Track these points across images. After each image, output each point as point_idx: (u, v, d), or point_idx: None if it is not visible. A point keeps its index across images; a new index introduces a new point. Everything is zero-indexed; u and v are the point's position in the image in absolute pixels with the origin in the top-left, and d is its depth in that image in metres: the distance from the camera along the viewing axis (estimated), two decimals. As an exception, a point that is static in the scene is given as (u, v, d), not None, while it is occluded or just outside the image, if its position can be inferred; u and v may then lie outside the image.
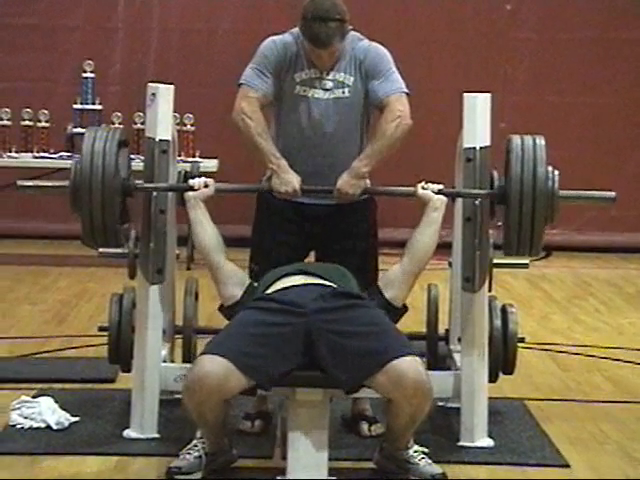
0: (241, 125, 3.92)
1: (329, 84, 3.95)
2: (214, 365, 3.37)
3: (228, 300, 3.68)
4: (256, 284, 3.72)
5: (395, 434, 3.53)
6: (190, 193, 3.77)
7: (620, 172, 8.66)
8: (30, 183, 4.04)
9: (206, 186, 3.78)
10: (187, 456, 3.54)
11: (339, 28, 3.83)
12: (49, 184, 4.06)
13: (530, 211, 3.65)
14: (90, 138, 3.72)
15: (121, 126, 7.52)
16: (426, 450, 3.60)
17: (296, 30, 3.97)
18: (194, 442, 3.58)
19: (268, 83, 3.95)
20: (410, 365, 3.39)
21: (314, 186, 3.93)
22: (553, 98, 8.66)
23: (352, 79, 3.96)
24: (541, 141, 3.72)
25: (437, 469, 3.54)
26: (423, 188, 3.75)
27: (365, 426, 4.00)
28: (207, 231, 3.73)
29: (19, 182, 3.91)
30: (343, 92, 3.95)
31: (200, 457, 3.54)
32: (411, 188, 3.78)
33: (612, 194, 3.88)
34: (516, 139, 3.74)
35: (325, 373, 3.45)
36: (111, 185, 3.67)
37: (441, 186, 3.77)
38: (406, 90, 3.96)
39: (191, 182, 3.80)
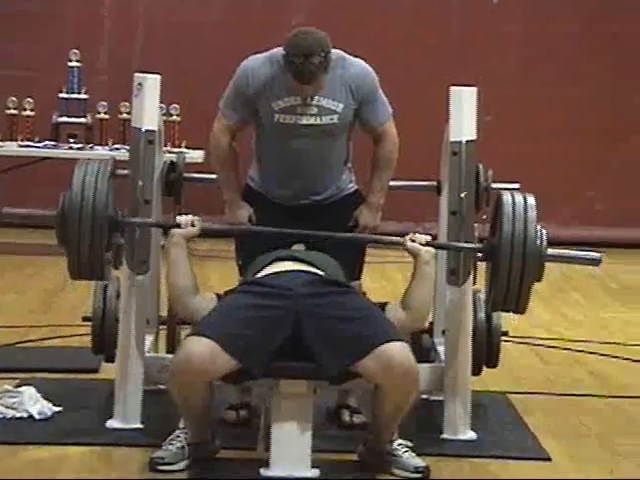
0: (211, 147, 4.02)
1: (314, 110, 3.89)
2: (200, 346, 3.38)
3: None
4: (230, 283, 3.74)
5: (380, 425, 3.54)
6: (176, 230, 3.69)
7: (605, 165, 8.69)
8: (17, 212, 3.96)
9: (193, 225, 3.70)
10: (170, 446, 3.55)
11: (322, 62, 3.76)
12: (35, 213, 3.99)
13: (519, 272, 3.56)
14: (81, 171, 3.62)
15: (106, 116, 7.52)
16: (410, 444, 3.61)
17: (276, 54, 3.88)
18: (177, 432, 3.58)
19: (239, 115, 3.97)
20: (399, 350, 3.41)
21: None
22: (539, 91, 8.67)
23: (341, 106, 3.90)
24: (531, 200, 3.63)
25: (421, 462, 3.56)
26: (412, 240, 3.67)
27: (347, 414, 4.01)
28: (183, 274, 3.64)
29: (4, 211, 3.82)
30: (331, 119, 3.90)
31: (183, 447, 3.54)
32: (399, 239, 3.71)
33: (597, 255, 3.84)
34: (507, 197, 3.63)
35: (312, 359, 3.45)
36: (100, 221, 3.57)
37: (428, 237, 3.70)
38: (391, 110, 4.01)
39: (178, 219, 3.72)
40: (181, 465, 3.53)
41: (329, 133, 3.93)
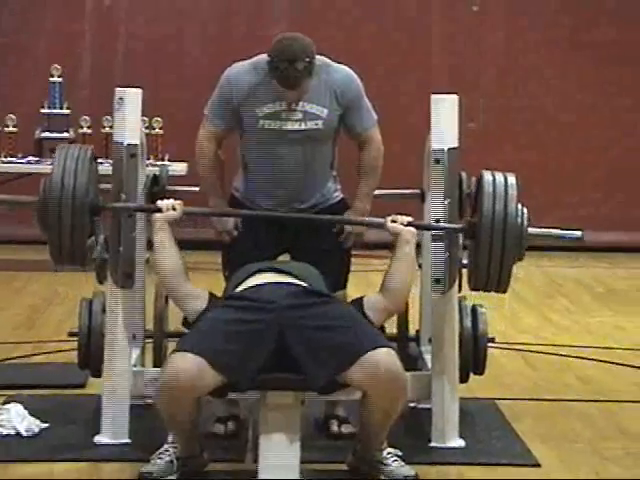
0: (197, 154, 4.03)
1: (299, 115, 3.90)
2: (187, 363, 3.37)
3: (192, 314, 3.65)
4: (218, 294, 3.74)
5: (369, 433, 3.54)
6: (157, 215, 3.70)
7: (590, 172, 8.71)
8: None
9: (174, 209, 3.71)
10: (158, 461, 3.54)
11: (307, 68, 3.78)
12: (17, 199, 4.02)
13: (500, 250, 3.59)
14: (61, 156, 3.64)
15: (89, 130, 7.51)
16: (399, 452, 3.60)
17: (259, 61, 3.91)
18: (165, 447, 3.57)
19: (224, 121, 3.98)
20: (385, 357, 3.40)
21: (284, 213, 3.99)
22: (521, 98, 8.70)
23: (326, 111, 3.92)
24: (512, 179, 3.66)
25: (410, 471, 3.55)
26: (393, 221, 3.69)
27: (335, 425, 4.00)
28: (170, 256, 3.66)
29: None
30: (316, 124, 3.92)
31: (172, 462, 3.53)
32: (381, 220, 3.74)
33: (578, 233, 3.88)
34: (487, 175, 3.67)
35: (299, 370, 3.44)
36: (81, 206, 3.59)
37: (410, 218, 3.71)
38: (376, 117, 4.02)
39: (159, 204, 3.73)
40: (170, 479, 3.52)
41: (314, 139, 3.94)
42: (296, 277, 3.64)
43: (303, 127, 3.91)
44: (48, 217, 3.61)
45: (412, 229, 3.67)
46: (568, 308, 6.67)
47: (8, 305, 6.37)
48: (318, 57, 3.86)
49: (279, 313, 3.48)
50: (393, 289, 3.63)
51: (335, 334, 3.45)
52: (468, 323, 4.07)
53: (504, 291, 3.72)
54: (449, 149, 3.88)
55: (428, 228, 3.91)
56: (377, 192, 4.10)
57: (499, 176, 3.66)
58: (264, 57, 3.87)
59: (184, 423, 3.46)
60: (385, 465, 3.55)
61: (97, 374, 4.03)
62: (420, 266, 4.21)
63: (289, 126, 3.91)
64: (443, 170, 3.87)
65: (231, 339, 3.44)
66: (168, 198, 3.81)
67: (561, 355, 5.38)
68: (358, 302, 3.66)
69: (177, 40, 8.58)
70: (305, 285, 3.62)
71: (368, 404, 3.46)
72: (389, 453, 3.58)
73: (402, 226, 3.66)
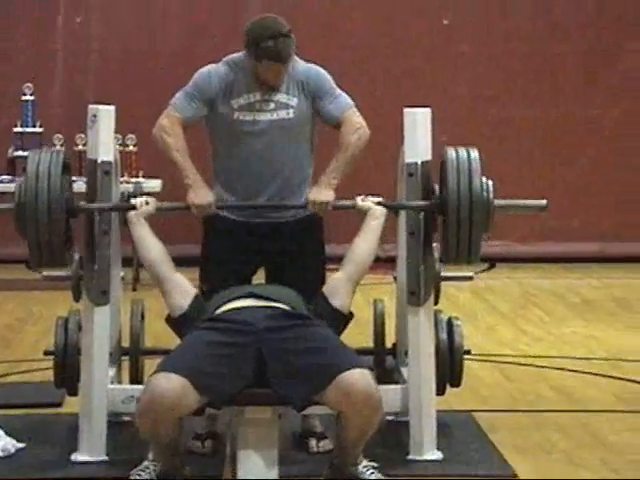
0: (159, 141, 4.03)
1: (271, 105, 3.99)
2: (170, 383, 3.37)
3: (175, 310, 3.69)
4: (202, 297, 3.76)
5: (345, 448, 3.54)
6: (132, 212, 3.81)
7: (559, 183, 8.75)
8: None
9: (147, 203, 3.83)
10: (138, 478, 3.52)
11: (293, 41, 3.94)
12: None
13: (467, 220, 3.70)
14: (34, 160, 3.72)
15: (62, 148, 7.49)
16: (375, 464, 3.61)
17: (231, 58, 4.03)
18: (145, 463, 3.56)
19: (195, 109, 4.02)
20: (359, 377, 3.41)
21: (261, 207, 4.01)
22: (493, 111, 8.73)
23: (296, 100, 4.00)
24: (475, 153, 3.79)
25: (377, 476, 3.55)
26: (362, 200, 3.83)
27: (313, 442, 4.00)
28: (152, 246, 3.77)
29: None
30: (287, 113, 4.00)
31: (152, 479, 3.52)
32: (351, 201, 3.87)
33: (543, 202, 3.98)
34: (451, 151, 3.79)
35: (276, 392, 3.46)
36: (57, 206, 3.66)
37: (380, 199, 3.87)
38: (352, 102, 4.08)
39: (133, 201, 3.85)
40: None
41: (287, 129, 3.99)
42: (275, 301, 3.66)
43: (275, 117, 3.99)
44: (25, 220, 3.66)
45: (382, 208, 3.83)
46: (542, 319, 6.70)
47: (-18, 325, 6.34)
48: None
49: (258, 335, 3.49)
50: (357, 257, 3.77)
51: (311, 356, 3.46)
52: (444, 335, 4.08)
53: (475, 262, 3.81)
54: (422, 162, 3.90)
55: (397, 207, 3.98)
56: (347, 202, 4.07)
57: (462, 151, 3.78)
58: (234, 56, 4.02)
59: (166, 441, 3.46)
60: (361, 479, 3.55)
61: (73, 392, 4.02)
62: (395, 279, 4.23)
63: (262, 116, 3.99)
64: (417, 183, 3.89)
65: (213, 361, 3.45)
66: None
67: (536, 366, 5.40)
68: (321, 297, 3.69)
69: (149, 57, 8.57)
70: (284, 307, 3.63)
71: (343, 423, 3.47)
72: (365, 466, 3.58)
73: (372, 204, 3.82)
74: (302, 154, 4.06)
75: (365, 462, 3.59)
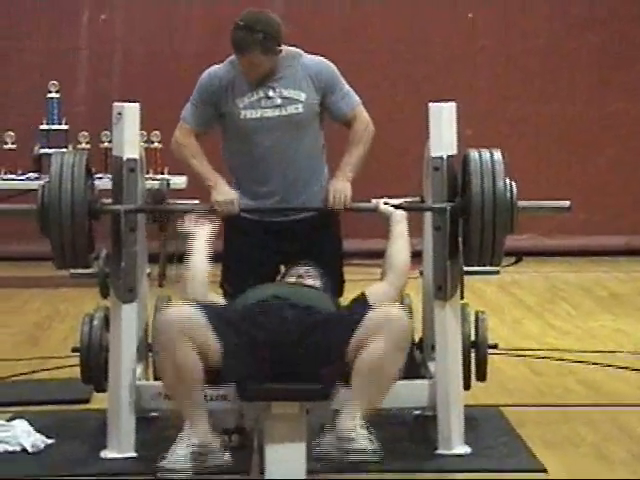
0: (176, 153, 4.13)
1: (278, 101, 4.01)
2: (183, 306, 3.55)
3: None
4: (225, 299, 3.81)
5: (352, 396, 3.48)
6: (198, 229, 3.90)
7: (585, 175, 8.72)
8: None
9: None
10: (173, 453, 3.48)
11: (260, 41, 3.92)
12: (17, 208, 4.07)
13: (491, 223, 3.69)
14: (57, 162, 3.73)
15: (88, 145, 7.52)
16: (373, 435, 3.48)
17: (234, 58, 4.06)
18: (181, 435, 3.52)
19: (201, 115, 4.10)
20: (394, 307, 3.56)
21: (276, 205, 4.03)
22: (519, 105, 8.70)
23: (304, 95, 4.02)
24: (498, 154, 3.77)
25: (373, 445, 3.45)
26: (385, 204, 3.89)
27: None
28: (201, 263, 3.85)
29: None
30: (296, 108, 4.01)
31: (187, 454, 3.47)
32: (372, 204, 3.95)
33: (567, 203, 3.96)
34: (474, 153, 3.78)
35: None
36: (79, 209, 3.68)
37: (401, 200, 3.93)
38: (359, 99, 4.13)
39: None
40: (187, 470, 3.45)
41: (296, 124, 4.01)
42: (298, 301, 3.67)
43: (284, 112, 4.01)
44: (48, 222, 3.68)
45: (401, 211, 3.88)
46: (569, 312, 6.67)
47: (11, 322, 6.37)
48: (293, 49, 4.05)
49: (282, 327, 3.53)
50: (396, 266, 3.83)
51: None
52: (470, 330, 4.07)
53: (497, 264, 3.82)
54: (448, 156, 3.89)
55: (419, 209, 3.98)
56: (369, 204, 4.09)
57: (485, 153, 3.77)
58: None
59: (188, 377, 3.45)
60: (353, 440, 3.44)
61: (101, 389, 4.04)
62: (421, 273, 4.22)
63: (269, 113, 4.01)
64: (442, 177, 3.88)
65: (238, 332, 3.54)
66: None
67: (564, 360, 5.38)
68: (361, 299, 3.69)
69: (173, 53, 8.59)
70: (309, 304, 3.65)
71: (371, 346, 3.45)
72: (362, 434, 3.45)
73: (393, 208, 3.87)
74: (312, 148, 4.07)
75: (363, 430, 3.46)
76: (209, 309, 3.58)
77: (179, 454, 3.48)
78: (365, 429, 3.46)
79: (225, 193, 3.99)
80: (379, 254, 4.00)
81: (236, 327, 3.55)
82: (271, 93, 4.00)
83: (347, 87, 4.12)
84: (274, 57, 4.00)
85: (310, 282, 3.83)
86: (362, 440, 3.43)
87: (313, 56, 4.12)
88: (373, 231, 4.29)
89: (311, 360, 3.49)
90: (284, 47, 4.08)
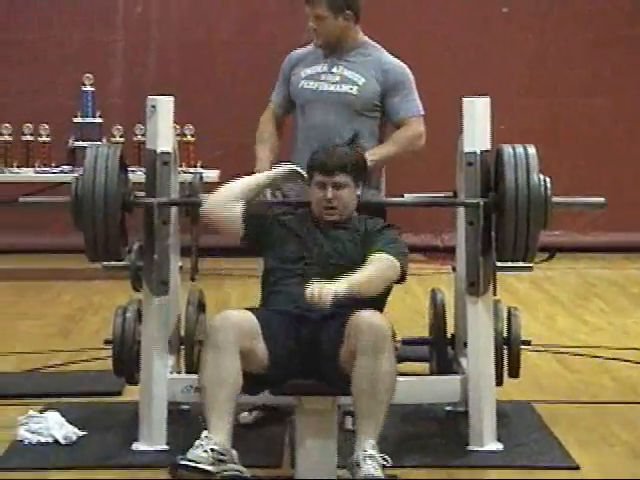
0: (256, 137, 4.25)
1: (336, 78, 4.09)
2: (239, 311, 3.53)
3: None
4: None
5: (360, 412, 3.42)
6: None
7: (621, 171, 8.66)
8: (32, 200, 4.06)
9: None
10: (194, 451, 3.40)
11: None
12: (51, 200, 4.08)
13: (525, 219, 3.68)
14: (91, 155, 3.75)
15: (122, 139, 7.54)
16: (387, 460, 3.39)
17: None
18: (202, 436, 3.45)
19: (280, 94, 4.23)
20: (368, 313, 3.45)
21: None
22: (553, 99, 8.66)
23: (363, 80, 4.07)
24: (532, 149, 3.76)
25: (378, 471, 3.34)
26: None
27: (350, 422, 3.98)
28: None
29: (21, 199, 3.93)
30: (351, 89, 4.07)
31: (207, 451, 3.39)
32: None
33: (602, 200, 3.93)
34: (507, 149, 3.76)
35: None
36: (113, 201, 3.70)
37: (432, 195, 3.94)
38: (423, 112, 4.16)
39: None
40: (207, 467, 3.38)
41: (348, 106, 4.06)
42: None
43: (337, 89, 4.07)
44: (82, 215, 3.70)
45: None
46: (603, 309, 6.63)
47: (43, 314, 6.40)
48: (377, 45, 4.15)
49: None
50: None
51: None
52: (503, 326, 4.05)
53: (531, 260, 3.80)
54: (481, 151, 3.87)
55: (453, 204, 3.98)
56: (409, 197, 4.09)
57: (519, 148, 3.76)
58: None
59: (225, 386, 3.41)
60: (359, 467, 3.36)
61: (132, 381, 4.05)
62: (454, 269, 4.21)
63: (325, 87, 4.10)
64: (476, 172, 3.86)
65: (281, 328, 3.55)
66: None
67: (597, 357, 5.34)
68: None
69: (209, 48, 8.59)
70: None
71: (355, 363, 3.40)
72: (371, 456, 3.36)
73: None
74: (362, 135, 4.03)
75: (373, 452, 3.38)
76: (259, 314, 3.55)
77: (199, 454, 3.39)
78: (375, 450, 3.39)
79: (259, 162, 4.11)
80: (412, 248, 3.94)
81: (280, 337, 3.53)
82: (335, 69, 4.10)
83: (415, 96, 4.15)
84: (343, 20, 4.09)
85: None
86: (369, 467, 3.35)
87: (395, 58, 4.17)
88: (407, 227, 4.24)
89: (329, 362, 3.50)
90: (369, 40, 4.17)
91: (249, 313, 3.55)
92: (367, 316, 3.45)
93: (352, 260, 3.65)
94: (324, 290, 3.40)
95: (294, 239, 3.75)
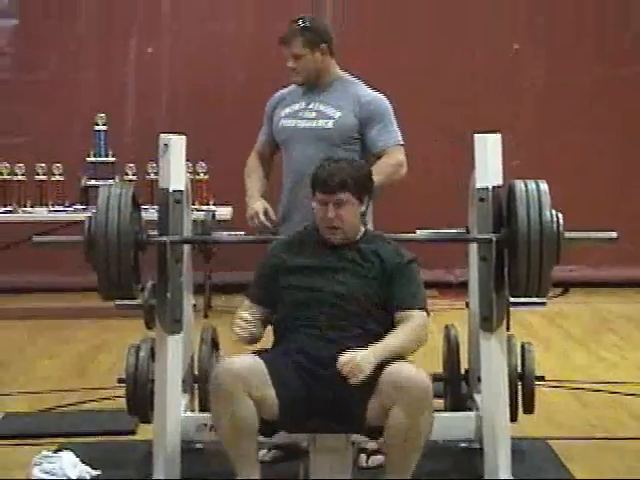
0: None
1: (313, 114, 4.17)
2: (243, 357, 3.48)
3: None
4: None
5: (392, 461, 3.43)
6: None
7: (634, 206, 8.64)
8: (45, 239, 4.07)
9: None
10: None
11: (304, 35, 4.14)
12: (64, 239, 4.09)
13: (537, 254, 3.67)
14: (104, 194, 3.76)
15: (134, 177, 7.57)
16: None
17: None
18: None
19: (264, 133, 4.34)
20: (408, 366, 3.43)
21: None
22: (565, 136, 8.66)
23: (339, 114, 4.13)
24: (544, 185, 3.75)
25: None
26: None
27: (364, 457, 3.97)
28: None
29: (34, 239, 3.94)
30: (326, 123, 4.13)
31: None
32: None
33: (613, 234, 3.91)
34: (519, 184, 3.75)
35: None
36: (126, 240, 3.71)
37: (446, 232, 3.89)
38: (402, 142, 4.18)
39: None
40: None
41: (325, 140, 4.12)
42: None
43: (314, 125, 4.15)
44: (95, 253, 3.71)
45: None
46: (618, 344, 6.59)
47: (58, 353, 6.40)
48: (353, 79, 4.22)
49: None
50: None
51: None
52: (517, 361, 4.04)
53: (544, 295, 3.79)
54: (493, 187, 3.88)
55: (466, 240, 3.94)
56: (424, 233, 4.08)
57: (531, 184, 3.76)
58: None
59: (243, 432, 3.39)
60: None
61: (146, 420, 4.04)
62: (467, 304, 4.20)
63: (302, 124, 4.17)
64: (488, 208, 3.86)
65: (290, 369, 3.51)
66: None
67: (613, 392, 5.31)
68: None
69: (220, 86, 8.63)
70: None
71: (391, 418, 3.37)
72: None
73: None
74: None
75: None
76: (268, 359, 3.51)
77: None
78: None
79: (254, 206, 4.17)
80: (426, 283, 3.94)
81: (290, 381, 3.49)
82: (311, 105, 4.17)
83: (394, 127, 4.18)
84: (320, 55, 4.17)
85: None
86: None
87: (373, 91, 4.21)
88: (420, 262, 4.24)
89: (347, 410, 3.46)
90: (345, 74, 4.24)
91: (256, 358, 3.49)
92: (406, 372, 3.39)
93: (364, 296, 3.60)
94: (361, 363, 3.35)
95: (301, 278, 3.64)
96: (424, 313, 3.62)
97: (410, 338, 3.54)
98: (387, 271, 3.65)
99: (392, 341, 3.49)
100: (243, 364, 3.44)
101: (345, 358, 3.37)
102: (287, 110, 4.21)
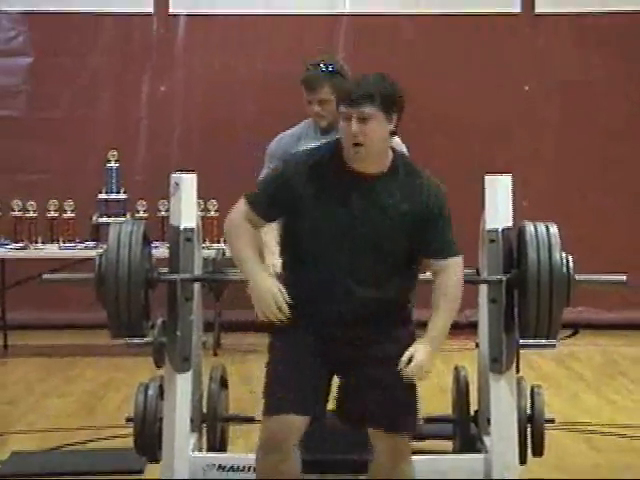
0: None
1: None
2: (279, 422, 3.31)
3: None
4: None
5: None
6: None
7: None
8: (55, 277, 4.08)
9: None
10: None
11: (332, 80, 4.14)
12: (74, 277, 4.10)
13: (547, 296, 3.68)
14: (115, 232, 3.77)
15: (145, 214, 7.59)
16: None
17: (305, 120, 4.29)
18: None
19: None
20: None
21: None
22: (574, 176, 8.67)
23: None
24: (554, 228, 3.77)
25: None
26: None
27: None
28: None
29: (44, 276, 3.95)
30: None
31: None
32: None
33: (623, 278, 3.91)
34: (529, 227, 3.77)
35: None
36: (136, 278, 3.71)
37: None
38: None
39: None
40: None
41: None
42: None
43: None
44: (105, 290, 3.70)
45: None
46: (628, 387, 6.57)
47: (67, 391, 6.40)
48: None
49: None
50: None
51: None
52: (526, 404, 4.02)
53: (554, 337, 3.78)
54: (503, 229, 3.88)
55: (476, 282, 3.92)
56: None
57: (541, 226, 3.76)
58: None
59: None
60: None
61: (154, 459, 4.02)
62: (477, 345, 4.19)
63: None
64: (498, 250, 3.86)
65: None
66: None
67: (623, 436, 5.29)
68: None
69: (230, 123, 8.67)
70: None
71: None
72: None
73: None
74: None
75: None
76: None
77: None
78: None
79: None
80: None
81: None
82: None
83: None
84: None
85: None
86: None
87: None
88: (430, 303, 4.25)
89: None
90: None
91: (284, 422, 3.31)
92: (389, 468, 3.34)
93: (390, 240, 3.32)
94: (423, 363, 3.27)
95: (321, 213, 3.31)
96: (459, 258, 3.40)
97: (453, 306, 3.38)
98: (426, 209, 3.39)
99: (440, 323, 3.36)
100: (299, 423, 3.31)
101: (406, 358, 3.26)
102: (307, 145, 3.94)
